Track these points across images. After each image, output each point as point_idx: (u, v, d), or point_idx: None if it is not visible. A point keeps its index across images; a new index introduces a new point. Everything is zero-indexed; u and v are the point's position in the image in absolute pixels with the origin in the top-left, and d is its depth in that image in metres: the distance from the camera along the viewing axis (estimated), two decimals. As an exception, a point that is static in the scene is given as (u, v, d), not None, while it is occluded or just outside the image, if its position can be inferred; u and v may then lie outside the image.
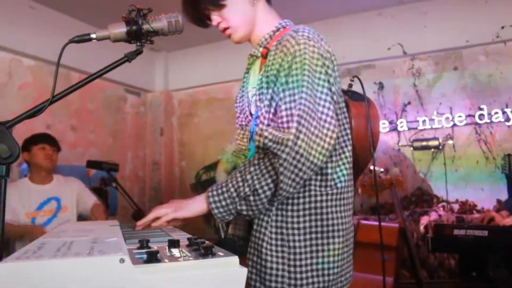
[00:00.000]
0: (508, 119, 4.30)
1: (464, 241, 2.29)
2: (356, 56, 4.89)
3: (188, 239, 1.09)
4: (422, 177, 4.61)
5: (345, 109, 1.49)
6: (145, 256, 0.89)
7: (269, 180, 1.30)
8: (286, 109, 1.32)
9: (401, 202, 4.52)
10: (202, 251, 0.94)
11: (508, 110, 4.31)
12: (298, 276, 1.35)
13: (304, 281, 1.35)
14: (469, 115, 4.46)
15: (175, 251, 0.98)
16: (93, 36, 1.33)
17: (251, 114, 1.55)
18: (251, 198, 1.31)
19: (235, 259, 0.91)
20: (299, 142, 1.27)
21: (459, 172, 4.49)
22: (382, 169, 4.31)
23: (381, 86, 4.82)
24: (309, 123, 1.29)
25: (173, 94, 6.30)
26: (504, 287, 2.51)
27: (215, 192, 1.36)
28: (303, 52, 1.35)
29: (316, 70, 1.35)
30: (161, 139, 6.12)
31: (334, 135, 1.31)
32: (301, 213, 1.37)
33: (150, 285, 0.84)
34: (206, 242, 1.05)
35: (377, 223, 3.88)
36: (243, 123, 1.63)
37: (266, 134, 1.32)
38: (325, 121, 1.31)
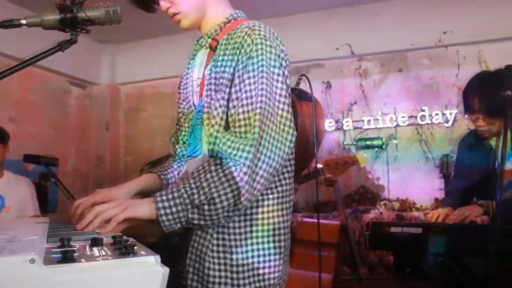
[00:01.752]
0: (447, 121, 4.47)
1: (400, 238, 2.34)
2: (306, 55, 4.93)
3: (113, 237, 1.05)
4: (366, 176, 4.72)
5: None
6: (60, 255, 0.85)
7: (228, 190, 1.20)
8: (243, 112, 1.26)
9: (345, 200, 4.61)
10: (123, 250, 0.91)
11: (447, 112, 4.47)
12: (241, 282, 1.32)
13: (247, 287, 1.32)
14: (411, 116, 4.60)
15: (96, 250, 0.94)
16: (23, 22, 1.22)
17: (194, 105, 1.49)
18: (206, 207, 1.21)
19: (156, 258, 0.88)
20: (260, 148, 1.23)
21: (400, 171, 4.63)
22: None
23: (329, 85, 4.88)
24: (269, 128, 1.25)
25: (120, 87, 6.15)
26: (437, 284, 2.60)
27: (164, 197, 1.22)
28: (260, 53, 1.29)
29: (274, 72, 1.30)
30: (106, 133, 5.97)
31: (293, 138, 1.29)
32: (242, 218, 1.32)
33: (63, 287, 0.80)
34: (130, 240, 1.01)
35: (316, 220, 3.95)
36: (185, 110, 1.55)
37: (224, 140, 1.26)
38: (284, 124, 1.28)
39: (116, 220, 1.21)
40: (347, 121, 4.73)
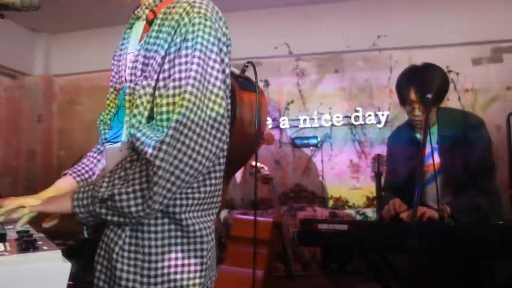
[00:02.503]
0: (379, 122, 4.63)
1: (327, 235, 2.39)
2: (244, 52, 4.92)
3: (19, 232, 1.01)
4: (301, 174, 4.80)
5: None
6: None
7: (130, 189, 1.09)
8: (168, 104, 1.12)
9: (281, 198, 4.67)
10: (24, 245, 0.88)
11: (380, 114, 4.64)
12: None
13: None
14: (346, 116, 4.73)
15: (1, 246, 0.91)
16: None
17: (125, 80, 1.32)
18: (109, 202, 1.11)
19: (57, 253, 0.87)
20: (178, 145, 1.07)
21: (335, 169, 4.74)
22: (263, 166, 4.41)
23: (266, 84, 4.93)
24: (194, 124, 1.09)
25: (55, 79, 5.92)
26: (363, 278, 2.70)
27: (82, 189, 1.16)
28: (196, 35, 1.14)
29: (211, 58, 1.15)
30: (38, 126, 5.73)
31: (224, 138, 1.15)
32: (159, 216, 1.16)
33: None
34: (34, 235, 0.98)
35: (252, 217, 3.98)
36: (117, 85, 1.41)
37: (139, 135, 1.12)
38: (215, 120, 1.13)
39: (33, 209, 1.20)
40: (283, 120, 4.80)
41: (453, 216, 2.48)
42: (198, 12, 1.17)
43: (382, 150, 4.41)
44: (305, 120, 4.77)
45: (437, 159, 2.66)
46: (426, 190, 2.69)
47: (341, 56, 4.83)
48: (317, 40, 4.81)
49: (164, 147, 1.07)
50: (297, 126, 4.81)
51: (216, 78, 1.16)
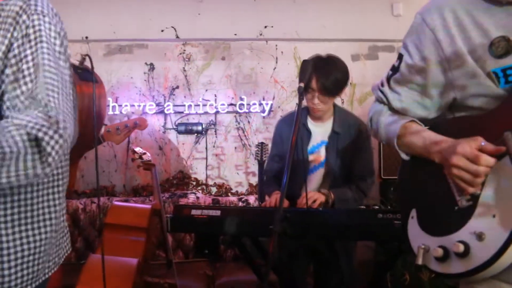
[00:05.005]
0: (263, 111, 4.71)
1: (199, 221, 2.39)
2: (129, 33, 4.74)
3: None
4: (185, 161, 4.74)
5: None
6: None
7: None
8: (25, 97, 1.15)
9: (164, 185, 4.58)
10: None
11: (264, 103, 4.72)
12: (6, 272, 1.19)
13: (13, 277, 1.21)
14: (231, 104, 4.74)
15: None
16: None
17: None
18: None
19: None
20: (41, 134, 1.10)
21: (218, 157, 4.75)
22: (145, 151, 4.28)
23: (152, 68, 4.78)
24: (65, 109, 1.16)
25: None
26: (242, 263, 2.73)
27: None
28: (39, 29, 1.19)
29: (56, 50, 1.22)
30: None
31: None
32: (8, 205, 1.19)
33: None
34: None
35: (129, 204, 3.86)
36: None
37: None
38: (71, 108, 1.21)
39: None
40: (168, 105, 4.69)
41: (333, 204, 2.62)
42: (35, 10, 1.20)
43: (266, 138, 4.51)
44: (190, 106, 4.71)
45: (324, 152, 2.76)
46: (310, 178, 2.79)
47: (228, 44, 4.82)
48: (205, 26, 4.76)
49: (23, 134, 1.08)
50: (182, 112, 4.73)
51: (65, 67, 1.22)
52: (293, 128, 2.03)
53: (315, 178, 2.81)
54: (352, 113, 3.01)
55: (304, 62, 2.28)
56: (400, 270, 3.42)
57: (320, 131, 2.80)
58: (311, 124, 2.81)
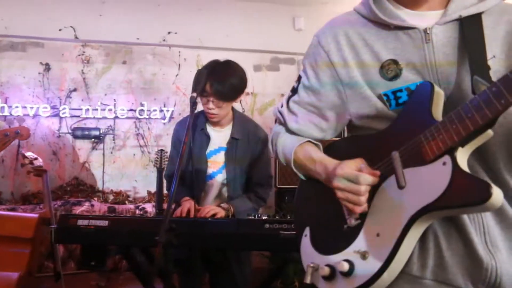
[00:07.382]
0: (164, 117, 4.66)
1: (86, 232, 2.30)
2: (23, 30, 4.47)
3: None
4: (80, 167, 4.55)
5: None
6: None
7: None
8: None
9: (57, 191, 4.36)
10: None
11: (165, 109, 4.67)
12: None
13: None
14: (131, 109, 4.64)
15: None
16: None
17: None
18: None
19: None
20: None
21: (116, 163, 4.62)
22: (36, 157, 4.05)
23: (47, 68, 4.54)
24: None
25: None
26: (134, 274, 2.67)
27: None
28: None
29: None
30: None
31: None
32: None
33: None
34: None
35: (13, 213, 3.63)
36: None
37: None
38: None
39: None
40: (64, 108, 4.48)
41: (234, 215, 2.64)
42: None
43: (166, 146, 4.45)
44: (87, 110, 4.53)
45: (223, 157, 2.76)
46: (209, 184, 2.79)
47: (130, 48, 4.72)
48: (107, 28, 4.62)
49: None
50: (79, 116, 4.54)
51: None
52: (183, 140, 2.03)
53: (215, 183, 2.82)
54: (252, 119, 3.04)
55: (198, 72, 2.28)
56: (291, 277, 3.54)
57: (219, 136, 2.81)
58: (210, 129, 2.80)
